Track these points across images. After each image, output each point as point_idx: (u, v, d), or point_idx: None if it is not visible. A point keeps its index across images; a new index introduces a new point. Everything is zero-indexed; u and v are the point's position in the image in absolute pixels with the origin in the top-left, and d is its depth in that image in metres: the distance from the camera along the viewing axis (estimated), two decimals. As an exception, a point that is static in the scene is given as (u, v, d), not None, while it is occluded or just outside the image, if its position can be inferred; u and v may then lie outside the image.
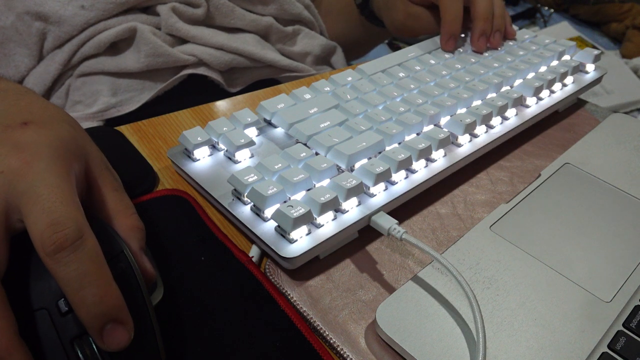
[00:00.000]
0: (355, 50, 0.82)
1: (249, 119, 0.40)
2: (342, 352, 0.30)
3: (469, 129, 0.42)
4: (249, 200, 0.35)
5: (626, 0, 1.95)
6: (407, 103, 0.44)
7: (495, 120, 0.45)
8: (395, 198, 0.37)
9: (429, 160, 0.40)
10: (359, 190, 0.35)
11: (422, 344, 0.29)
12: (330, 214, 0.34)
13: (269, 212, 0.34)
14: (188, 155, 0.39)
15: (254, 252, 0.35)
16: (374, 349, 0.30)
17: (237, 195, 0.35)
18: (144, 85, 0.57)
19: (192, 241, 0.35)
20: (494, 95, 0.47)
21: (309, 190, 0.35)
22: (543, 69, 0.53)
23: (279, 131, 0.41)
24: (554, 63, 0.54)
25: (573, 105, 0.54)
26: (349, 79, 0.46)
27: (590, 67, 0.55)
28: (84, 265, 0.23)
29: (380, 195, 0.36)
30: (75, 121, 0.30)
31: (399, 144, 0.40)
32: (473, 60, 0.52)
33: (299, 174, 0.35)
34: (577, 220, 0.39)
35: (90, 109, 0.55)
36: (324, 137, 0.38)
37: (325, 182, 0.36)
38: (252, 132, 0.41)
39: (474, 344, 0.29)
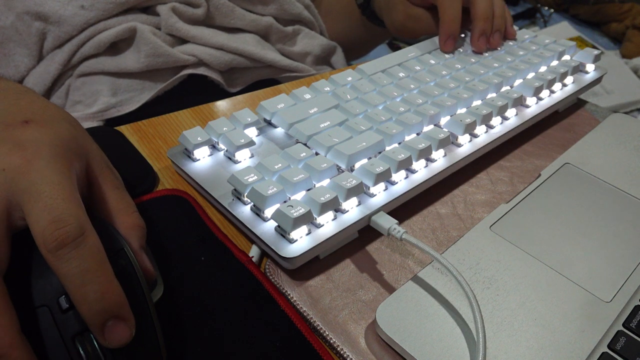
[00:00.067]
0: (355, 50, 0.82)
1: (249, 119, 0.40)
2: (342, 352, 0.30)
3: (469, 129, 0.42)
4: (249, 200, 0.35)
5: (626, 0, 1.95)
6: (407, 103, 0.44)
7: (495, 120, 0.45)
8: (395, 198, 0.37)
9: (429, 160, 0.40)
10: (359, 190, 0.35)
11: (422, 344, 0.29)
12: (330, 214, 0.34)
13: (269, 212, 0.34)
14: (188, 155, 0.39)
15: (254, 252, 0.35)
16: (374, 349, 0.30)
17: (237, 195, 0.35)
18: (144, 85, 0.57)
19: (192, 241, 0.35)
20: (494, 95, 0.47)
21: (309, 190, 0.35)
22: (543, 69, 0.53)
23: (279, 131, 0.41)
24: (554, 63, 0.54)
25: (573, 105, 0.54)
26: (349, 79, 0.46)
27: (590, 67, 0.55)
28: (86, 261, 0.23)
29: (380, 195, 0.36)
30: (75, 120, 0.30)
31: (399, 144, 0.40)
32: (473, 60, 0.52)
33: (299, 174, 0.35)
34: (577, 220, 0.39)
35: (90, 109, 0.55)
36: (324, 137, 0.38)
37: (325, 182, 0.36)
38: (252, 132, 0.41)
39: (474, 344, 0.29)
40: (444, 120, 0.44)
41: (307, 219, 0.32)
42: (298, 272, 0.34)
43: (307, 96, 0.43)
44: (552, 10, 2.10)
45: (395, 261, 0.35)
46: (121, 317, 0.24)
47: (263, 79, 0.64)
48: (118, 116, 0.56)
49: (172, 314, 0.30)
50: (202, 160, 0.39)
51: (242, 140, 0.38)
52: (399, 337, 0.30)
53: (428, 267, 0.34)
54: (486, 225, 0.38)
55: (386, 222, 0.34)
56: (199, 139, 0.38)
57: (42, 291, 0.24)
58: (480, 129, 0.44)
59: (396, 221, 0.34)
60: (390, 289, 0.33)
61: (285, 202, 0.34)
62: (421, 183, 0.38)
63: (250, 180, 0.34)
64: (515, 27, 0.58)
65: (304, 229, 0.33)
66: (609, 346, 0.30)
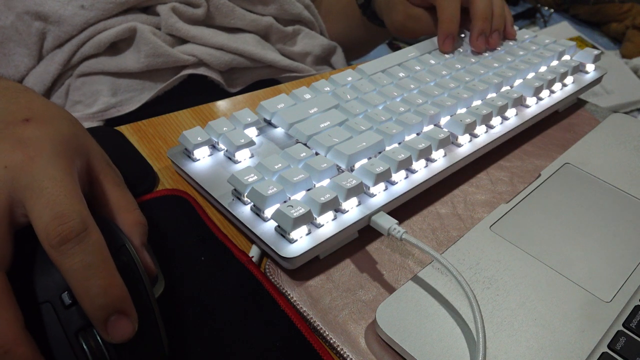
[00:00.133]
0: (355, 50, 0.82)
1: (249, 119, 0.40)
2: (342, 352, 0.30)
3: (469, 129, 0.42)
4: (249, 200, 0.35)
5: (626, 0, 1.95)
6: (407, 103, 0.44)
7: (495, 120, 0.45)
8: (395, 198, 0.37)
9: (429, 160, 0.40)
10: (359, 190, 0.35)
11: (422, 344, 0.29)
12: (330, 214, 0.34)
13: (269, 212, 0.34)
14: (188, 155, 0.39)
15: (254, 252, 0.35)
16: (374, 349, 0.30)
17: (237, 195, 0.35)
18: (144, 85, 0.57)
19: (192, 241, 0.35)
20: (494, 95, 0.47)
21: (309, 190, 0.35)
22: (543, 69, 0.53)
23: (279, 131, 0.41)
24: (554, 63, 0.54)
25: (573, 105, 0.54)
26: (349, 79, 0.46)
27: (590, 67, 0.55)
28: (89, 257, 0.23)
29: (380, 195, 0.36)
30: (75, 119, 0.30)
31: (399, 144, 0.40)
32: (473, 60, 0.52)
33: (299, 174, 0.35)
34: (577, 220, 0.39)
35: (90, 109, 0.55)
36: (324, 137, 0.38)
37: (325, 182, 0.36)
38: (252, 132, 0.41)
39: (474, 344, 0.29)
40: (444, 120, 0.44)
41: (307, 219, 0.32)
42: (298, 272, 0.34)
43: (307, 96, 0.43)
44: (552, 10, 2.10)
45: (395, 261, 0.35)
46: (124, 312, 0.24)
47: (263, 79, 0.64)
48: (118, 116, 0.56)
49: (172, 314, 0.30)
50: (202, 160, 0.39)
51: (242, 140, 0.38)
52: (399, 337, 0.30)
53: (428, 267, 0.34)
54: (486, 225, 0.38)
55: (386, 222, 0.34)
56: (199, 139, 0.38)
57: (45, 287, 0.24)
58: (480, 129, 0.44)
59: (396, 221, 0.34)
60: (390, 289, 0.33)
61: (285, 202, 0.34)
62: (421, 183, 0.38)
63: (250, 180, 0.34)
64: (515, 27, 0.58)
65: (304, 229, 0.33)
66: (609, 346, 0.30)
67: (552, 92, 0.51)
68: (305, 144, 0.39)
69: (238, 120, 0.40)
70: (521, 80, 0.50)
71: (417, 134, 0.42)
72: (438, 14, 0.52)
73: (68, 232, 0.23)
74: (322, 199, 0.33)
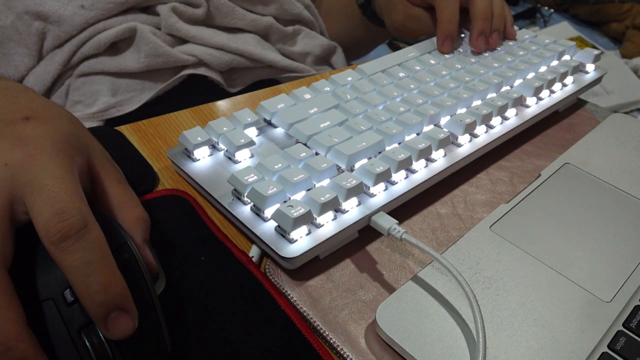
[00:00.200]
0: (355, 50, 0.82)
1: (249, 119, 0.40)
2: (342, 352, 0.30)
3: (469, 129, 0.42)
4: (249, 200, 0.35)
5: (626, 0, 1.95)
6: (407, 103, 0.44)
7: (495, 120, 0.45)
8: (395, 198, 0.37)
9: (429, 160, 0.40)
10: (359, 190, 0.35)
11: (422, 344, 0.29)
12: (330, 214, 0.34)
13: (269, 212, 0.34)
14: (188, 155, 0.39)
15: (254, 252, 0.35)
16: (374, 349, 0.30)
17: (237, 195, 0.35)
18: (144, 85, 0.57)
19: (192, 241, 0.35)
20: (494, 95, 0.47)
21: (309, 190, 0.35)
22: (543, 69, 0.53)
23: (279, 131, 0.41)
24: (554, 63, 0.54)
25: (573, 105, 0.54)
26: (349, 79, 0.46)
27: (590, 67, 0.55)
28: (89, 253, 0.23)
29: (380, 195, 0.36)
30: (75, 118, 0.30)
31: (399, 144, 0.40)
32: (473, 60, 0.52)
33: (299, 174, 0.35)
34: (577, 220, 0.39)
35: (90, 109, 0.55)
36: (324, 137, 0.38)
37: (325, 182, 0.36)
38: (252, 132, 0.41)
39: (474, 344, 0.29)
40: (444, 120, 0.44)
41: (307, 219, 0.32)
42: (298, 272, 0.34)
43: (307, 96, 0.43)
44: (552, 10, 2.10)
45: (395, 261, 0.35)
46: (124, 308, 0.24)
47: (263, 79, 0.64)
48: (118, 116, 0.56)
49: (172, 314, 0.30)
50: (202, 160, 0.39)
51: (242, 140, 0.38)
52: (399, 337, 0.30)
53: (428, 267, 0.34)
54: (486, 225, 0.38)
55: (386, 222, 0.34)
56: (199, 139, 0.38)
57: (47, 285, 0.25)
58: (480, 129, 0.44)
59: (396, 221, 0.34)
60: (390, 289, 0.33)
61: (285, 202, 0.34)
62: (421, 183, 0.38)
63: (250, 180, 0.34)
64: (515, 27, 0.58)
65: (304, 229, 0.33)
66: (609, 346, 0.30)
67: (552, 92, 0.51)
68: (305, 144, 0.39)
69: (238, 120, 0.40)
70: (521, 80, 0.50)
71: (417, 134, 0.42)
72: (437, 15, 0.52)
73: (68, 228, 0.23)
74: (322, 199, 0.33)
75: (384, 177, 0.36)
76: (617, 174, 0.44)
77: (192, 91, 0.59)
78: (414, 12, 0.57)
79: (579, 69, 0.54)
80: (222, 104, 0.50)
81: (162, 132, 0.45)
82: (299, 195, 0.35)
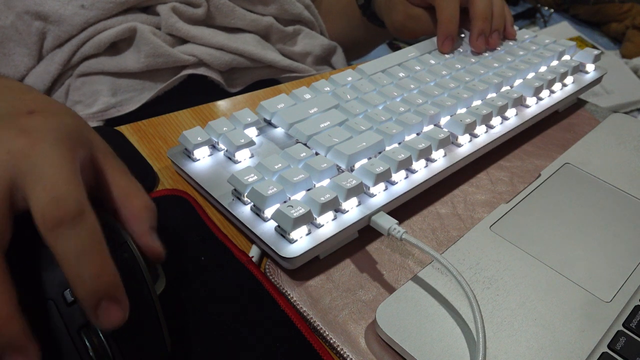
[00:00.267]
0: (355, 51, 0.82)
1: (249, 119, 0.40)
2: (342, 352, 0.30)
3: (469, 129, 0.42)
4: (249, 200, 0.35)
5: (626, 0, 1.95)
6: (407, 103, 0.44)
7: (495, 120, 0.45)
8: (395, 198, 0.37)
9: (429, 160, 0.40)
10: (359, 190, 0.35)
11: (422, 344, 0.29)
12: (330, 214, 0.34)
13: (269, 212, 0.34)
14: (188, 155, 0.39)
15: (254, 252, 0.35)
16: (374, 349, 0.30)
17: (237, 195, 0.35)
18: (144, 85, 0.57)
19: (192, 241, 0.35)
20: (494, 95, 0.47)
21: (309, 190, 0.35)
22: (543, 69, 0.53)
23: (279, 131, 0.41)
24: (554, 63, 0.54)
25: (573, 105, 0.54)
26: (349, 79, 0.46)
27: (590, 67, 0.55)
28: (83, 240, 0.23)
29: (380, 195, 0.36)
30: (78, 115, 0.31)
31: (399, 144, 0.40)
32: (473, 60, 0.52)
33: (299, 174, 0.35)
34: (577, 220, 0.39)
35: (90, 109, 0.55)
36: (324, 137, 0.38)
37: (325, 182, 0.36)
38: (252, 132, 0.41)
39: (474, 344, 0.29)
40: (444, 120, 0.44)
41: (307, 219, 0.32)
42: (298, 272, 0.34)
43: (307, 96, 0.43)
44: (552, 10, 2.10)
45: (395, 261, 0.35)
46: (115, 298, 0.24)
47: (263, 79, 0.64)
48: (118, 116, 0.56)
49: (172, 314, 0.30)
50: (202, 160, 0.39)
51: (242, 140, 0.38)
52: (399, 337, 0.30)
53: (428, 267, 0.34)
54: (486, 225, 0.38)
55: (386, 222, 0.34)
56: (199, 139, 0.38)
57: (47, 285, 0.25)
58: (480, 129, 0.44)
59: (396, 221, 0.34)
60: (390, 289, 0.33)
61: (285, 202, 0.34)
62: (421, 183, 0.38)
63: (250, 180, 0.34)
64: (515, 27, 0.58)
65: (304, 229, 0.33)
66: (609, 346, 0.30)
67: (552, 92, 0.51)
68: (305, 144, 0.39)
69: (238, 120, 0.40)
70: (521, 80, 0.50)
71: (417, 134, 0.42)
72: (437, 15, 0.52)
73: (63, 215, 0.23)
74: (322, 199, 0.33)
75: (384, 177, 0.36)
76: (617, 174, 0.44)
77: (192, 91, 0.59)
78: (414, 12, 0.57)
79: (579, 69, 0.54)
80: (222, 104, 0.50)
81: (162, 132, 0.45)
82: (299, 195, 0.35)
